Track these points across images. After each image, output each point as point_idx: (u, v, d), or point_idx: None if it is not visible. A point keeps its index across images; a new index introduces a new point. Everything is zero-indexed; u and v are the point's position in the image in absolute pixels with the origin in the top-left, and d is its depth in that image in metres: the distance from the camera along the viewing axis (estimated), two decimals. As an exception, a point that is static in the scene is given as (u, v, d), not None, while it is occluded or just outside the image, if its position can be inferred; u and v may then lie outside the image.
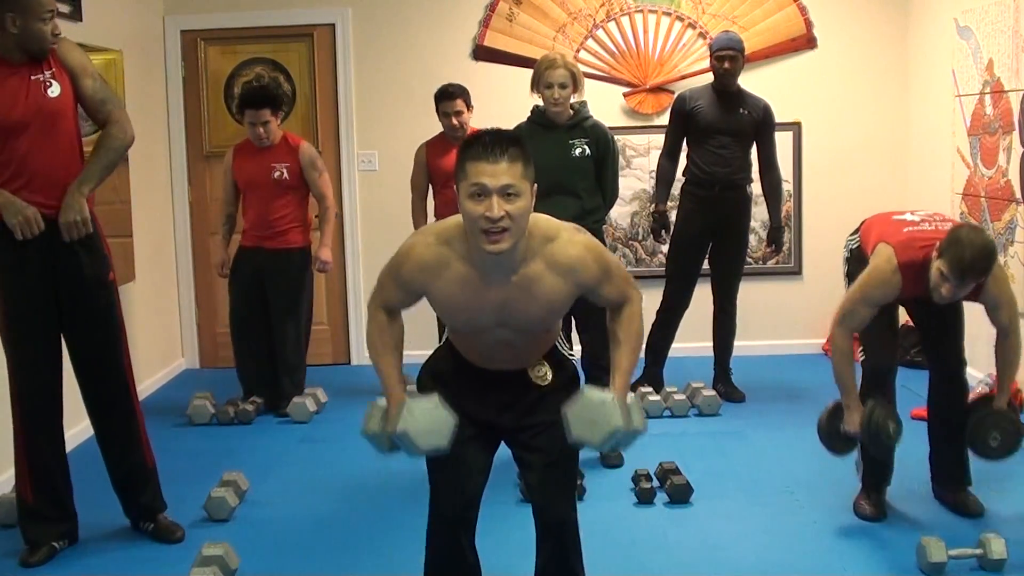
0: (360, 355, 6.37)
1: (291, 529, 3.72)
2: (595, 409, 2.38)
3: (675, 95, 5.40)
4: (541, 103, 4.38)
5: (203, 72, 6.23)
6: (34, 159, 3.20)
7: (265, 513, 3.87)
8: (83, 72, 3.29)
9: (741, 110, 5.10)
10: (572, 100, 4.35)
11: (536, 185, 2.35)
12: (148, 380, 5.73)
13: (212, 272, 5.36)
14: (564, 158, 4.30)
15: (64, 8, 4.77)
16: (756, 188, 5.26)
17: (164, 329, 6.04)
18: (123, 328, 3.49)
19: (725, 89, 5.09)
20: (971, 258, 3.23)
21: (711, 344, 5.40)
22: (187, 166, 6.24)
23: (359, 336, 6.36)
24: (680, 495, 3.87)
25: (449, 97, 5.05)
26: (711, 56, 5.15)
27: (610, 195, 4.50)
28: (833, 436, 3.63)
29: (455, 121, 5.03)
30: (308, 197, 5.23)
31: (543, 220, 2.43)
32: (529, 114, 4.43)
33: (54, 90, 3.22)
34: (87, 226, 3.25)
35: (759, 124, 5.14)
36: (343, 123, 6.23)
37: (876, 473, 3.70)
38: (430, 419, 2.40)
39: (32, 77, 3.19)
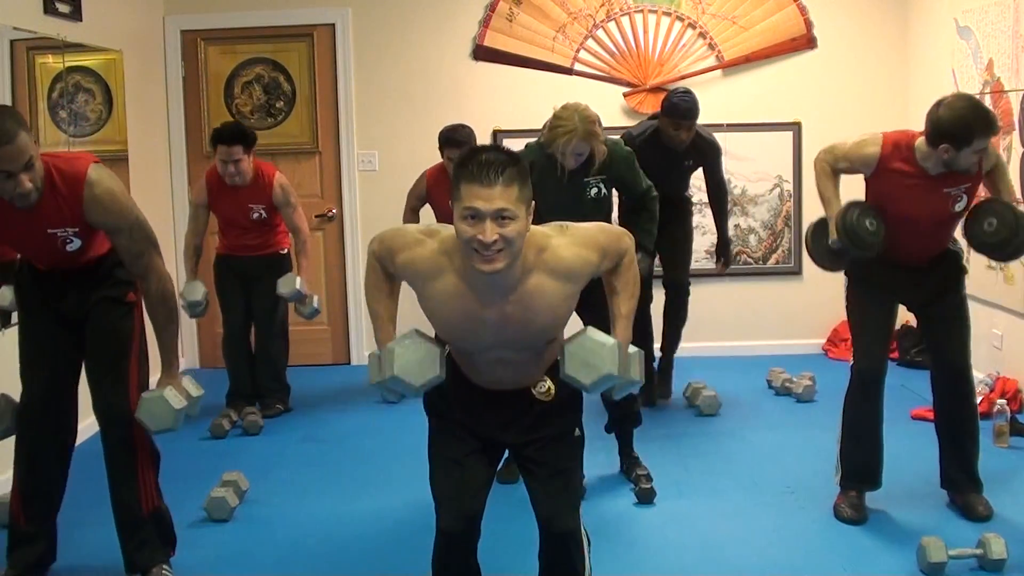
0: (360, 355, 6.36)
1: (291, 529, 3.72)
2: (592, 351, 2.37)
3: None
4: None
5: (203, 72, 6.23)
6: (58, 264, 3.10)
7: (265, 513, 3.88)
8: (114, 231, 2.97)
9: (686, 162, 4.96)
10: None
11: (535, 203, 2.33)
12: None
13: (211, 273, 5.34)
14: (577, 200, 3.89)
15: (64, 8, 4.77)
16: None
17: (164, 329, 6.03)
18: (134, 353, 3.20)
19: (673, 149, 4.86)
20: (975, 117, 3.30)
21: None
22: (187, 166, 6.24)
23: (359, 336, 6.36)
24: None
25: (457, 146, 4.75)
26: (665, 116, 4.80)
27: (648, 201, 4.10)
28: (821, 253, 3.64)
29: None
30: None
31: (534, 232, 2.39)
32: (539, 140, 3.95)
33: (74, 245, 2.98)
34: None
35: (704, 163, 5.03)
36: (343, 123, 6.23)
37: (856, 474, 3.69)
38: (415, 354, 2.39)
39: (50, 231, 2.94)
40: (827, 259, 3.67)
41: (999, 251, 3.56)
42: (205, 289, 5.00)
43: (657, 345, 5.20)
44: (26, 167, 2.76)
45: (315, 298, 5.08)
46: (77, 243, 2.99)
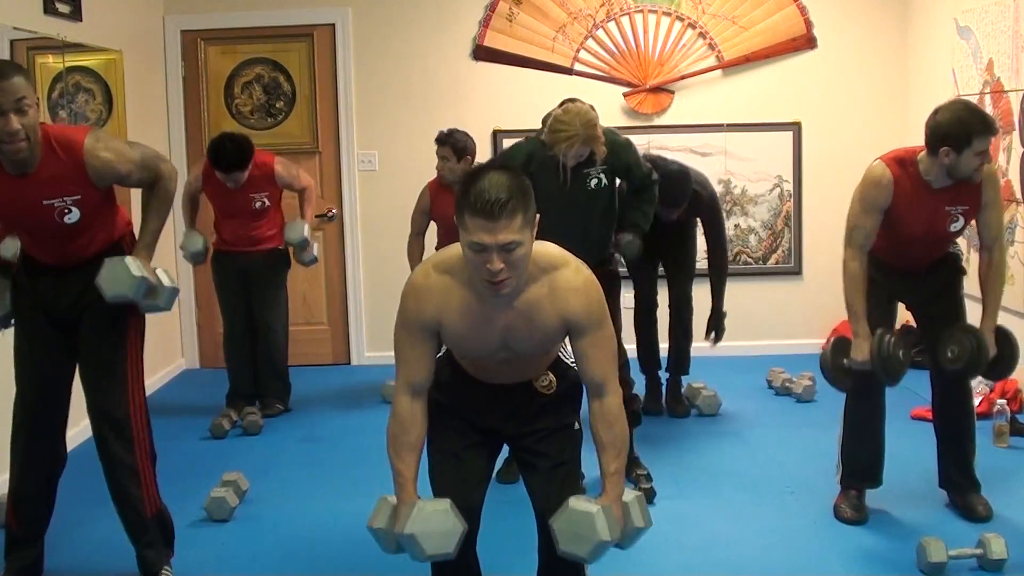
0: (360, 355, 6.37)
1: (291, 529, 3.73)
2: (580, 522, 2.32)
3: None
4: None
5: (203, 72, 6.23)
6: (55, 249, 3.06)
7: (265, 513, 3.88)
8: (126, 176, 3.00)
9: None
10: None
11: (538, 215, 2.31)
12: (148, 380, 5.69)
13: (209, 271, 5.34)
14: (576, 191, 3.90)
15: (64, 8, 4.77)
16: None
17: (164, 329, 6.03)
18: (131, 356, 3.18)
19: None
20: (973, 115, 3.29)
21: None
22: (187, 166, 6.21)
23: (359, 336, 6.36)
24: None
25: (439, 143, 4.81)
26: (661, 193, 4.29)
27: (649, 184, 4.09)
28: (838, 371, 3.55)
29: (440, 167, 4.85)
30: (282, 201, 5.23)
31: (554, 250, 2.40)
32: (540, 134, 3.94)
33: (72, 216, 2.91)
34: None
35: (699, 216, 4.90)
36: (343, 123, 6.23)
37: (857, 472, 3.69)
38: (439, 523, 2.35)
39: (45, 202, 2.87)
40: (844, 379, 3.58)
41: (965, 376, 3.58)
42: (204, 238, 5.12)
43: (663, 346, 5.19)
44: (18, 108, 2.72)
45: (315, 246, 5.25)
46: (76, 214, 2.92)
